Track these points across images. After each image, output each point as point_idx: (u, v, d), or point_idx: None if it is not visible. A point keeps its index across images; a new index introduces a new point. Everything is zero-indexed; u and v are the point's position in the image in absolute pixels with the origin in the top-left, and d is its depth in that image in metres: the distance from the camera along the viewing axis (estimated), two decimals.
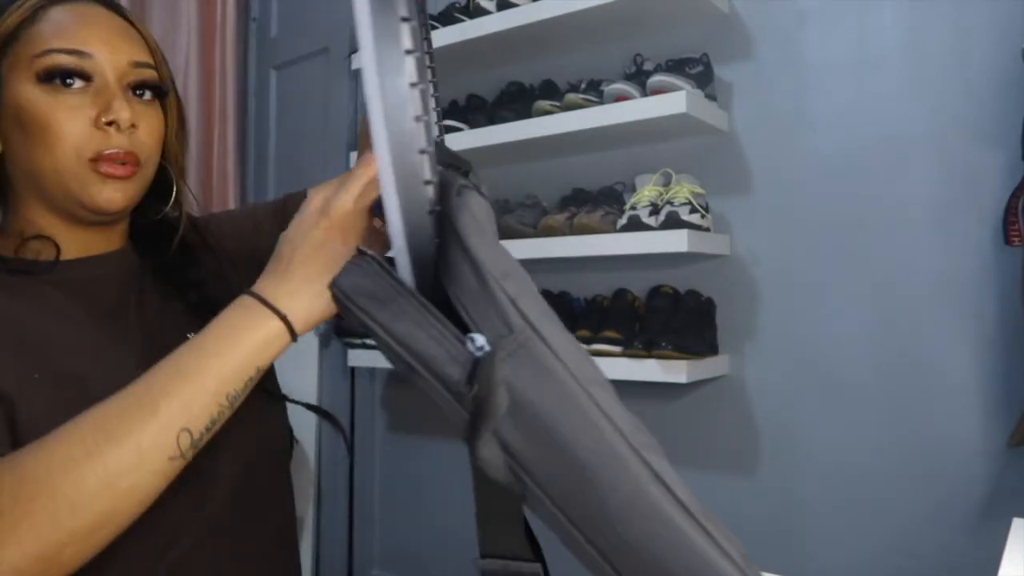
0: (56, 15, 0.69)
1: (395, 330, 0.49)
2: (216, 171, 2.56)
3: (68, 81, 0.67)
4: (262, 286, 0.58)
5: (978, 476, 1.49)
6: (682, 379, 1.60)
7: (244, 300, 0.57)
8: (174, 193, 0.78)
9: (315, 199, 0.59)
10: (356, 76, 2.39)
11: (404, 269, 0.50)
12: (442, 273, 0.49)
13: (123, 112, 0.68)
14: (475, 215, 0.50)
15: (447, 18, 1.99)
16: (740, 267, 1.76)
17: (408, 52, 0.46)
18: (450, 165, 0.56)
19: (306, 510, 2.38)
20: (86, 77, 0.68)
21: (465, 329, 0.48)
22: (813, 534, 1.64)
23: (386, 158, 0.47)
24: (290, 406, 0.82)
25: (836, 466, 1.63)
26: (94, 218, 0.72)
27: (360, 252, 0.52)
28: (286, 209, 0.87)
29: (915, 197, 1.57)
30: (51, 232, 0.72)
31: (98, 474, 0.52)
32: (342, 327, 0.63)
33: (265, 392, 0.76)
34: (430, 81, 0.70)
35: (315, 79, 2.52)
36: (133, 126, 0.70)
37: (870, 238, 1.61)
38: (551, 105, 1.83)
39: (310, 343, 2.38)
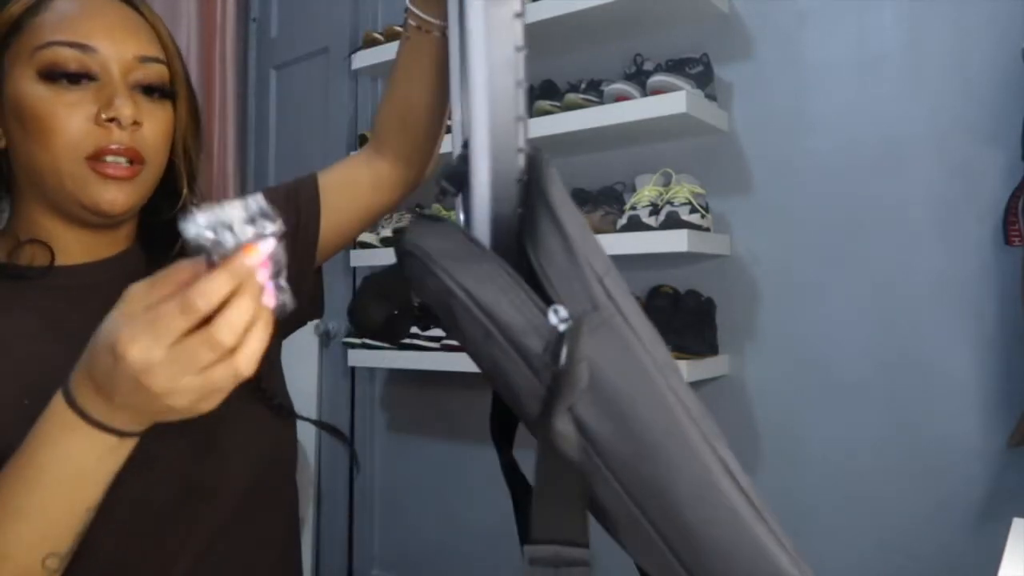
0: (61, 4, 0.66)
1: (479, 294, 0.47)
2: (216, 171, 2.56)
3: (72, 78, 0.64)
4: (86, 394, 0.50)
5: (978, 476, 1.49)
6: None
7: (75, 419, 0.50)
8: (183, 195, 0.74)
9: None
10: (356, 76, 2.39)
11: (484, 237, 0.49)
12: (529, 243, 0.48)
13: (125, 108, 0.65)
14: (560, 187, 0.49)
15: None
16: (740, 267, 1.76)
17: (518, 15, 0.46)
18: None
19: (306, 510, 2.38)
20: (89, 75, 0.65)
21: (547, 300, 0.47)
22: (813, 534, 1.64)
23: (484, 121, 0.46)
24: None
25: (836, 466, 1.63)
26: (97, 220, 0.68)
27: (432, 217, 0.50)
28: (298, 195, 0.83)
29: (915, 197, 1.57)
30: (54, 234, 0.69)
31: None
32: (361, 323, 0.60)
33: (276, 408, 0.75)
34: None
35: (315, 79, 2.52)
36: (136, 123, 0.66)
37: (870, 238, 1.61)
38: (551, 105, 1.83)
39: (310, 343, 2.38)
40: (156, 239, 0.75)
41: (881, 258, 1.60)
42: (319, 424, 0.76)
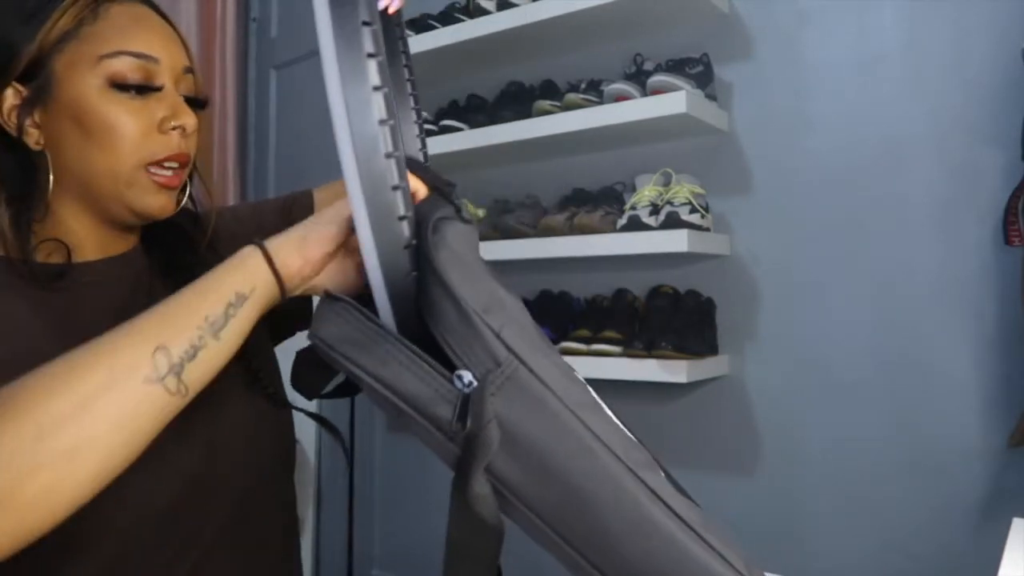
0: (115, 15, 0.68)
1: (381, 375, 0.48)
2: (216, 171, 2.56)
3: (141, 89, 0.67)
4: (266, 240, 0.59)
5: (978, 476, 1.49)
6: (682, 379, 1.60)
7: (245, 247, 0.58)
8: (187, 192, 0.77)
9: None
10: None
11: (383, 305, 0.50)
12: (424, 312, 0.49)
13: (189, 118, 0.69)
14: (454, 249, 0.50)
15: (447, 18, 1.99)
16: (740, 267, 1.76)
17: (376, 88, 0.46)
18: (432, 186, 0.56)
19: (306, 510, 2.38)
20: (154, 85, 0.68)
21: (452, 367, 0.47)
22: (813, 534, 1.64)
23: (359, 197, 0.47)
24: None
25: (836, 466, 1.63)
26: (136, 222, 0.72)
27: (334, 298, 0.51)
28: (292, 210, 0.87)
29: (915, 197, 1.57)
30: (77, 232, 0.70)
31: (68, 397, 0.48)
32: (296, 381, 0.63)
33: (271, 398, 0.76)
34: (409, 85, 0.69)
35: (315, 79, 2.50)
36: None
37: (870, 238, 1.61)
38: (551, 105, 1.83)
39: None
40: (156, 237, 0.77)
41: (881, 258, 1.60)
42: (313, 416, 0.77)
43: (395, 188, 0.48)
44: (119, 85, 0.66)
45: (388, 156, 0.47)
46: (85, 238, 0.71)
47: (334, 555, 2.40)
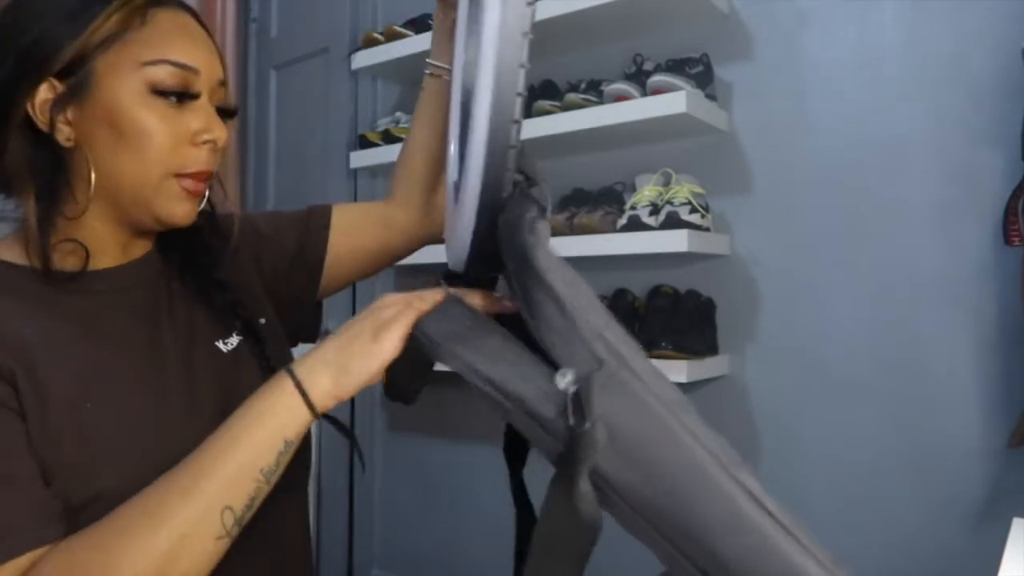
0: (161, 22, 0.68)
1: (487, 373, 0.50)
2: (216, 171, 2.56)
3: (180, 97, 0.68)
4: (299, 361, 0.61)
5: (978, 476, 1.49)
6: (682, 379, 1.60)
7: (280, 373, 0.61)
8: (206, 198, 0.78)
9: (386, 296, 0.62)
10: (356, 76, 2.39)
11: (471, 204, 0.52)
12: (526, 312, 0.50)
13: (222, 132, 0.70)
14: (550, 251, 0.51)
15: None
16: (740, 267, 1.76)
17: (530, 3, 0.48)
18: (527, 176, 0.57)
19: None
20: (192, 95, 0.69)
21: (553, 364, 0.49)
22: (813, 534, 1.64)
23: (489, 78, 0.49)
24: None
25: (836, 466, 1.63)
26: (157, 228, 0.72)
27: (441, 292, 0.54)
28: (308, 223, 0.88)
29: (915, 197, 1.57)
30: (99, 233, 0.70)
31: (146, 560, 0.54)
32: (392, 390, 0.64)
33: None
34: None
35: (315, 79, 2.52)
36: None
37: (870, 238, 1.61)
38: (551, 105, 1.83)
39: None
40: (171, 238, 0.78)
41: (881, 258, 1.60)
42: (327, 418, 0.77)
43: (518, 95, 0.50)
44: (158, 91, 0.67)
45: (520, 66, 0.50)
46: (106, 240, 0.71)
47: (334, 555, 2.40)
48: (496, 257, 0.55)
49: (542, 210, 0.54)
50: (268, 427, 0.59)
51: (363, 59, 2.19)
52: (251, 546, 0.64)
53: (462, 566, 2.16)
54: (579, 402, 0.46)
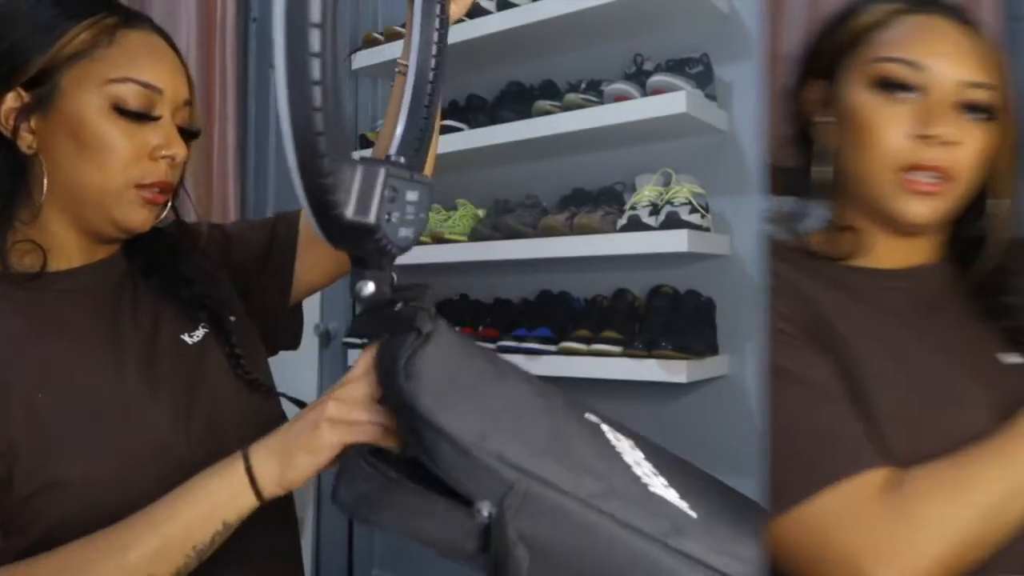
0: (130, 42, 0.71)
1: (404, 527, 0.51)
2: (216, 171, 2.56)
3: (139, 115, 0.69)
4: (257, 444, 0.61)
5: None
6: (682, 379, 1.60)
7: (235, 454, 0.61)
8: (167, 207, 0.80)
9: (347, 375, 0.61)
10: (356, 76, 2.39)
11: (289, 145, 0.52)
12: (422, 456, 0.50)
13: (180, 149, 0.72)
14: (433, 382, 0.50)
15: None
16: (740, 267, 1.76)
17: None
18: (406, 300, 0.55)
19: (306, 510, 2.38)
20: (154, 114, 0.71)
21: (467, 499, 0.49)
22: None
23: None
24: (284, 403, 0.83)
25: None
26: (116, 235, 0.74)
27: (344, 454, 0.55)
28: (276, 227, 0.89)
29: None
30: (61, 237, 0.72)
31: None
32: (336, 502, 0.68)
33: (257, 386, 0.78)
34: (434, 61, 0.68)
35: None
36: (174, 158, 0.73)
37: None
38: (551, 105, 1.83)
39: (310, 343, 2.38)
40: (136, 241, 0.79)
41: None
42: (294, 400, 0.79)
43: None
44: (120, 109, 0.69)
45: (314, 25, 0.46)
46: (67, 244, 0.73)
47: (334, 555, 2.40)
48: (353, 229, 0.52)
49: (425, 335, 0.53)
50: (209, 505, 0.59)
51: (363, 59, 2.19)
52: (238, 556, 0.65)
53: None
54: (493, 532, 0.47)
